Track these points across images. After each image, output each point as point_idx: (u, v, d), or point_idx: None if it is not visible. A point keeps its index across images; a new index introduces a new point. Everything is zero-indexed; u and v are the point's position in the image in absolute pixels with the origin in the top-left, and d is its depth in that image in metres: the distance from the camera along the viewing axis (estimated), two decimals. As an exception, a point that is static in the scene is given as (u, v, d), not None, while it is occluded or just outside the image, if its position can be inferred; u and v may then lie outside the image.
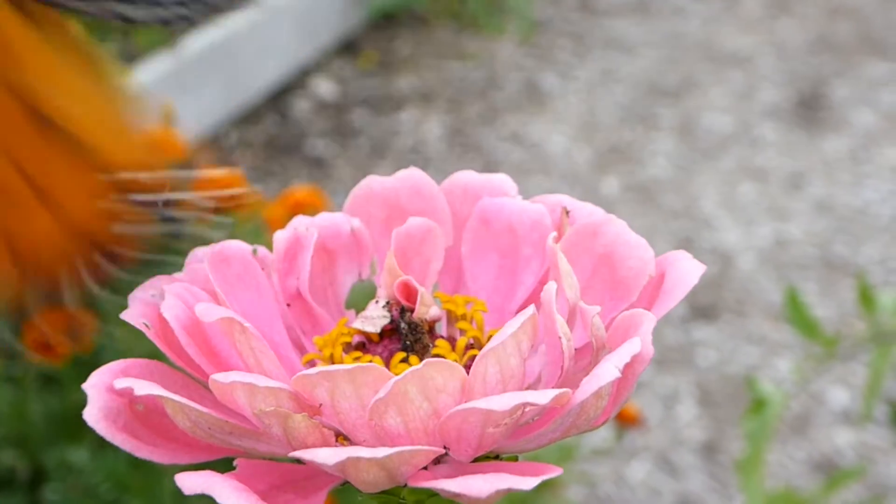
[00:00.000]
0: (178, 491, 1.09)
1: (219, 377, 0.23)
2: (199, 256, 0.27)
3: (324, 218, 0.28)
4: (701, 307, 1.89)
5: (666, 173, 2.22)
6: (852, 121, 2.40)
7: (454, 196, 0.28)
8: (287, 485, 0.24)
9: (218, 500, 0.22)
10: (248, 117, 2.50)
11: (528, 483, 0.21)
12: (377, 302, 0.26)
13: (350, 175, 2.34)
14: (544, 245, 0.27)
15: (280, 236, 0.27)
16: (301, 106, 2.65)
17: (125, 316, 0.25)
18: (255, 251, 0.28)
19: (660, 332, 1.84)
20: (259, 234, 1.23)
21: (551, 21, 2.87)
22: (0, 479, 1.11)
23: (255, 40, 2.56)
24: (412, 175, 0.28)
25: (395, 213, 0.28)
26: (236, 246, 0.27)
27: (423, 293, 0.26)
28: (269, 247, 0.28)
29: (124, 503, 1.06)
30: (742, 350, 1.80)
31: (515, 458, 0.25)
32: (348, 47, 2.81)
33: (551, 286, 0.23)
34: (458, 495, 0.21)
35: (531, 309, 0.23)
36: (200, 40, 2.31)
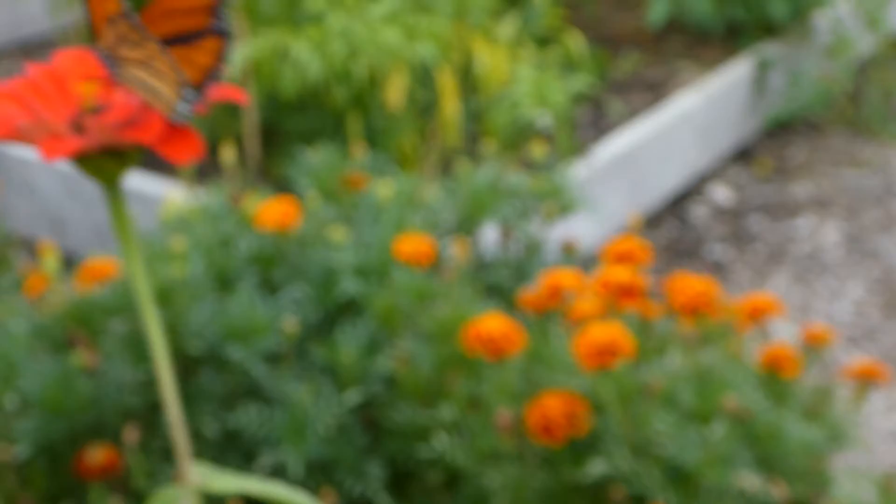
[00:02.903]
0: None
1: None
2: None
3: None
4: None
5: None
6: None
7: None
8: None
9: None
10: (650, 222, 2.66)
11: None
12: None
13: (748, 279, 2.45)
14: None
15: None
16: (699, 211, 2.79)
17: None
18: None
19: None
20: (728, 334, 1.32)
21: (951, 128, 2.88)
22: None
23: (657, 149, 2.73)
24: None
25: None
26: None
27: None
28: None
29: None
30: None
31: None
32: (743, 154, 2.94)
33: None
34: None
35: None
36: (609, 149, 2.50)
